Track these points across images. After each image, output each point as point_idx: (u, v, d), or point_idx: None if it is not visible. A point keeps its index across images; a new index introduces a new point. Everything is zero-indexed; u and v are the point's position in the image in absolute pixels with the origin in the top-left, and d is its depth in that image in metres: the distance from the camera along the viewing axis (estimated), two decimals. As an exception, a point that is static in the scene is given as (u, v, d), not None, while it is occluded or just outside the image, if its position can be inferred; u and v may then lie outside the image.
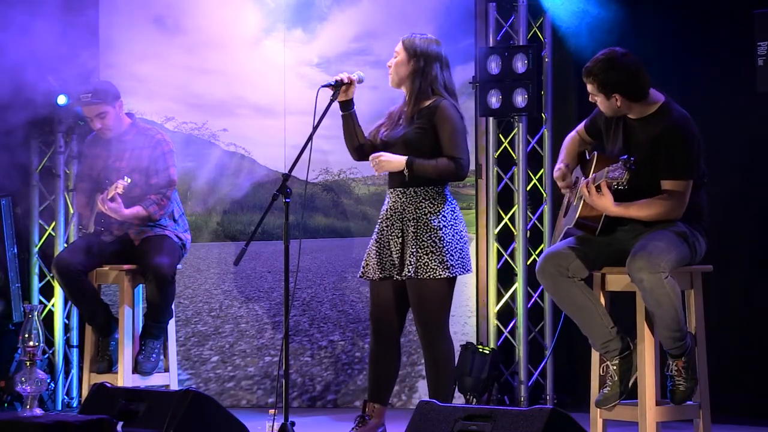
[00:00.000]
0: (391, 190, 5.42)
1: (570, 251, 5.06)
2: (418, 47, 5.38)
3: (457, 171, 5.33)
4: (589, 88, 5.05)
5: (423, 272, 5.28)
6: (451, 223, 5.36)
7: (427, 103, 5.36)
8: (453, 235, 5.35)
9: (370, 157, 5.37)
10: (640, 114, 5.05)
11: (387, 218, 5.41)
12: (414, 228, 5.32)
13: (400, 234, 5.34)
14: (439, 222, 5.33)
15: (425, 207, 5.34)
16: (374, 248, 5.43)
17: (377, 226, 5.48)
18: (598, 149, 5.22)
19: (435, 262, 5.29)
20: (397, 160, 5.31)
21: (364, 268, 5.48)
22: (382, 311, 5.45)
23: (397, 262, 5.34)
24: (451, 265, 5.31)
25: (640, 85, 4.99)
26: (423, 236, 5.31)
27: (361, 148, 5.48)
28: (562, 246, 5.11)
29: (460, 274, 5.35)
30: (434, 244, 5.30)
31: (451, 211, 5.39)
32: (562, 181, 5.26)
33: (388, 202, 5.44)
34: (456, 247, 5.34)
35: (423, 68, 5.37)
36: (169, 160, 6.33)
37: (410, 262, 5.28)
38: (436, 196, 5.36)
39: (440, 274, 5.29)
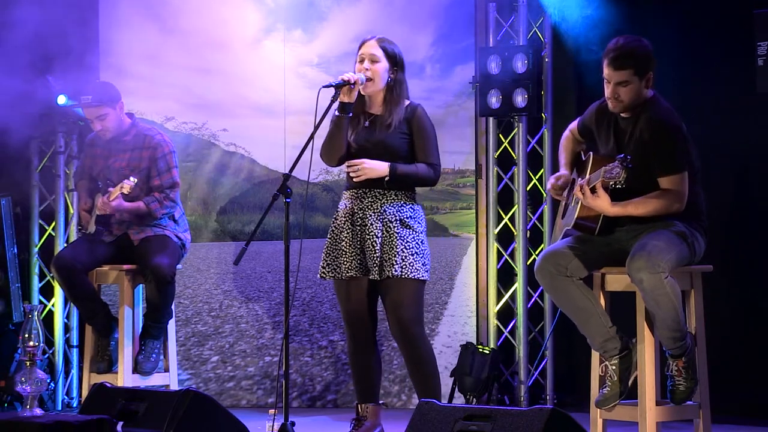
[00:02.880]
0: (364, 189, 5.37)
1: (569, 251, 5.07)
2: (397, 54, 5.41)
3: (435, 178, 5.41)
4: (622, 76, 4.94)
5: (408, 272, 5.28)
6: (425, 228, 5.43)
7: (403, 109, 5.37)
8: (426, 242, 5.41)
9: (350, 163, 5.35)
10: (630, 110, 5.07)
11: (362, 217, 5.36)
12: (398, 229, 5.31)
13: (379, 234, 5.32)
14: (418, 226, 5.37)
15: (406, 211, 5.36)
16: (342, 246, 5.38)
17: (339, 223, 5.41)
18: (593, 149, 5.23)
19: (419, 263, 5.31)
20: (380, 168, 5.31)
21: (326, 267, 5.42)
22: (357, 311, 5.42)
23: (372, 263, 5.32)
24: (428, 269, 5.36)
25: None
26: (407, 237, 5.32)
27: (341, 151, 5.43)
28: (561, 245, 5.11)
29: (428, 279, 5.40)
30: (417, 246, 5.33)
31: (424, 219, 5.45)
32: (554, 185, 5.27)
33: (360, 201, 5.37)
34: (429, 254, 5.40)
35: (401, 79, 5.41)
36: (171, 162, 6.33)
37: (395, 261, 5.27)
38: (413, 202, 5.41)
39: (422, 276, 5.32)
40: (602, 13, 6.73)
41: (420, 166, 5.36)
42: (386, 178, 5.31)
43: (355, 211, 5.39)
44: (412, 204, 5.40)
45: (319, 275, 5.45)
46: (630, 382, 5.08)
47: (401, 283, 5.30)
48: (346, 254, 5.37)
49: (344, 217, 5.40)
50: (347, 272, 5.36)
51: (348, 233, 5.38)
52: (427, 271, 5.34)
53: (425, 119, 5.40)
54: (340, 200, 5.49)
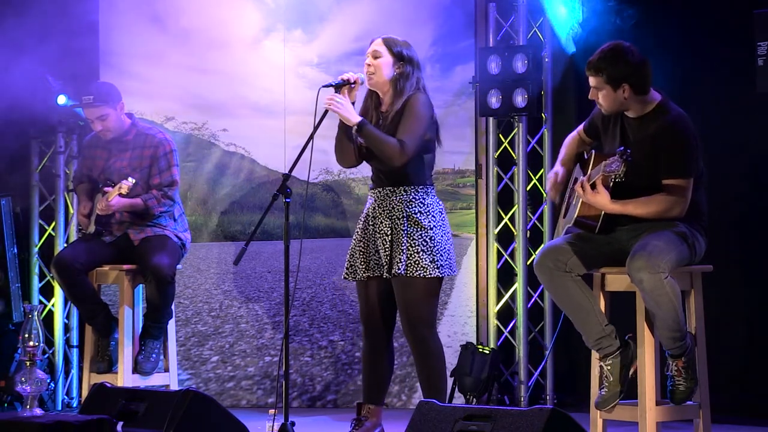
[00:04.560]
0: (379, 189, 5.38)
1: (568, 247, 5.07)
2: (403, 51, 5.37)
3: (398, 154, 5.23)
4: (594, 82, 5.03)
5: (414, 270, 5.26)
6: (440, 223, 5.35)
7: (404, 99, 5.35)
8: (442, 236, 5.33)
9: (330, 96, 5.27)
10: (638, 112, 5.06)
11: (374, 217, 5.36)
12: (405, 226, 5.29)
13: (389, 232, 5.31)
14: (429, 222, 5.31)
15: (415, 206, 5.32)
16: (359, 248, 5.40)
17: (360, 225, 5.44)
18: (597, 149, 5.22)
19: (426, 260, 5.27)
20: (352, 114, 5.24)
21: (348, 269, 5.44)
22: (371, 312, 5.42)
23: (384, 261, 5.31)
24: (441, 265, 5.29)
25: (647, 78, 5.01)
26: (414, 234, 5.29)
27: (351, 153, 5.43)
28: (561, 241, 5.11)
29: (448, 275, 5.34)
30: (425, 243, 5.29)
31: (440, 211, 5.37)
32: (553, 185, 5.27)
33: (375, 200, 5.39)
34: (445, 248, 5.33)
35: (408, 72, 5.37)
36: (172, 160, 6.33)
37: (401, 259, 5.26)
38: (425, 196, 5.34)
39: (431, 273, 5.27)
40: (603, 13, 6.73)
41: (390, 138, 5.27)
42: (354, 129, 5.27)
43: (369, 211, 5.40)
44: (423, 198, 5.33)
45: (342, 276, 5.47)
46: (630, 373, 5.07)
47: (408, 281, 5.28)
48: (363, 255, 5.38)
49: (363, 218, 5.44)
50: (363, 273, 5.37)
51: (363, 233, 5.40)
52: (437, 268, 5.26)
53: (418, 104, 5.31)
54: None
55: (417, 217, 5.30)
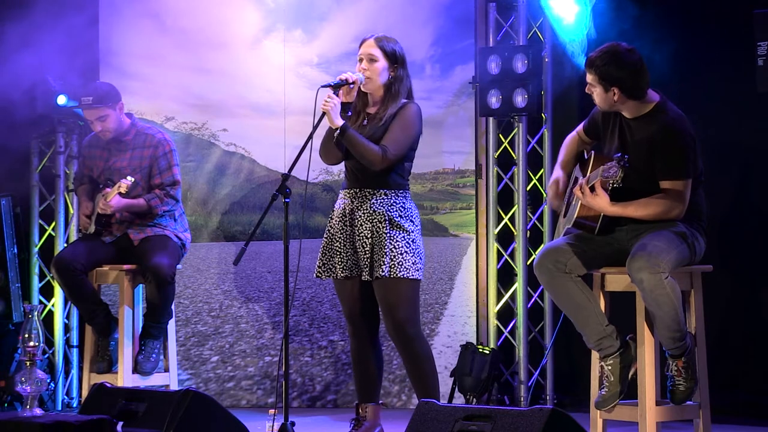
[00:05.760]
0: (355, 189, 5.37)
1: (568, 247, 5.07)
2: (396, 52, 5.37)
3: (379, 160, 5.25)
4: (589, 78, 5.04)
5: (398, 271, 5.25)
6: (418, 228, 5.38)
7: (397, 106, 5.35)
8: (420, 241, 5.36)
9: (330, 96, 5.28)
10: (636, 113, 5.06)
11: (351, 218, 5.36)
12: (387, 229, 5.28)
13: (369, 235, 5.30)
14: (409, 225, 5.33)
15: (396, 210, 5.32)
16: (336, 247, 5.38)
17: (334, 223, 5.41)
18: (597, 149, 5.22)
19: (409, 262, 5.27)
20: (338, 117, 5.24)
21: (321, 267, 5.41)
22: (355, 309, 5.42)
23: (364, 264, 5.31)
24: (420, 268, 5.32)
25: (640, 83, 5.00)
26: (397, 237, 5.29)
27: (336, 151, 5.40)
28: (561, 242, 5.11)
29: (420, 278, 5.35)
30: (408, 246, 5.29)
31: (417, 216, 5.40)
32: (554, 195, 5.27)
33: (350, 201, 5.37)
34: (422, 252, 5.36)
35: (402, 76, 5.37)
36: (172, 160, 6.34)
37: (384, 262, 5.25)
38: (404, 201, 5.36)
39: (413, 275, 5.28)
40: (604, 13, 6.73)
41: (371, 144, 5.27)
42: (335, 133, 5.27)
43: (347, 211, 5.38)
44: (403, 203, 5.35)
45: (314, 274, 5.45)
46: (630, 375, 5.07)
47: (391, 283, 5.28)
48: (340, 254, 5.36)
49: (338, 217, 5.41)
50: (341, 272, 5.36)
51: (341, 233, 5.38)
52: (418, 270, 5.29)
53: (409, 114, 5.33)
54: (337, 199, 5.49)
55: (398, 221, 5.30)
